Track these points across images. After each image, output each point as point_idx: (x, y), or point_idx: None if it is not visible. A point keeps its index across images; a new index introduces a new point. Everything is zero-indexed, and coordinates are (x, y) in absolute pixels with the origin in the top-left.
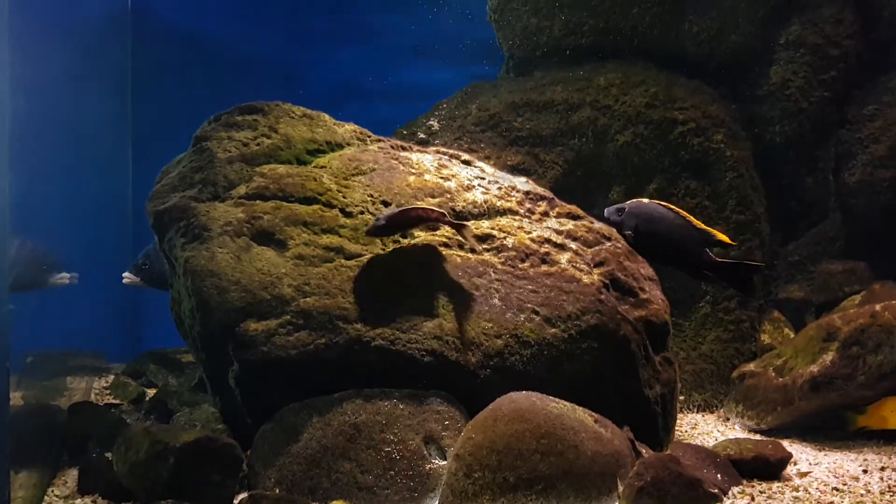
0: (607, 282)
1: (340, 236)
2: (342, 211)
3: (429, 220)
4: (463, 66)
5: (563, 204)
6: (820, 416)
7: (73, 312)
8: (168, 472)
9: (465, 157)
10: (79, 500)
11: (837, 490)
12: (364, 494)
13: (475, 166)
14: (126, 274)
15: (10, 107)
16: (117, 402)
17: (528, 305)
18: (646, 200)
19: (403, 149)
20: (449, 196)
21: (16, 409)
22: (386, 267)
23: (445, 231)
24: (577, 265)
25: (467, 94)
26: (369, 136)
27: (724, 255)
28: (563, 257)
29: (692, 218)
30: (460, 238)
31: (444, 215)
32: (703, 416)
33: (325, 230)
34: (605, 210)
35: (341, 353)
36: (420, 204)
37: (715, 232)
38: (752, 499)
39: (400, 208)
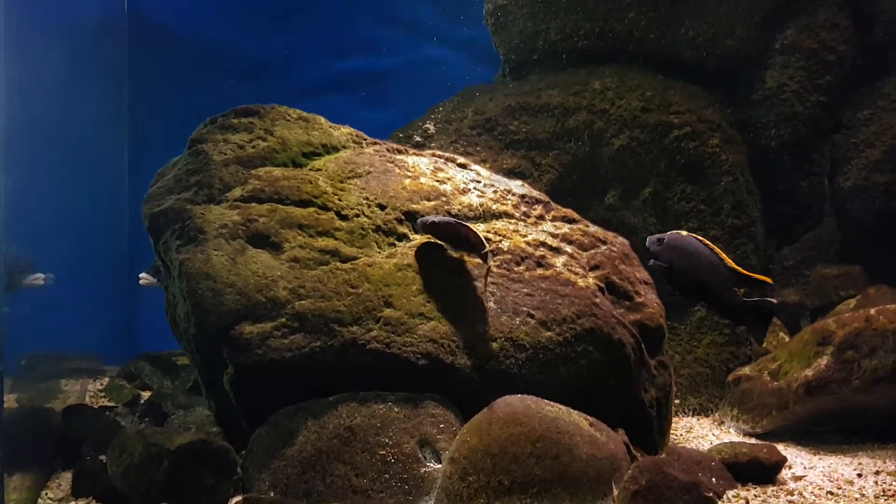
0: (603, 285)
1: (336, 239)
2: (338, 214)
3: (468, 244)
4: None
5: (559, 207)
6: (815, 420)
7: (68, 315)
8: (162, 475)
9: (461, 160)
10: (72, 503)
11: (832, 494)
12: (359, 498)
13: (471, 169)
14: (143, 275)
15: (5, 109)
16: (112, 404)
17: (524, 309)
18: (683, 233)
19: (399, 152)
20: (444, 199)
21: (10, 412)
22: (381, 270)
23: None
24: (573, 268)
25: (463, 97)
26: (365, 139)
27: (748, 296)
28: (559, 261)
29: (725, 255)
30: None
31: (483, 244)
32: (698, 419)
33: (321, 233)
34: (647, 239)
35: (336, 355)
36: (471, 225)
37: (746, 272)
38: (747, 502)
39: (454, 220)
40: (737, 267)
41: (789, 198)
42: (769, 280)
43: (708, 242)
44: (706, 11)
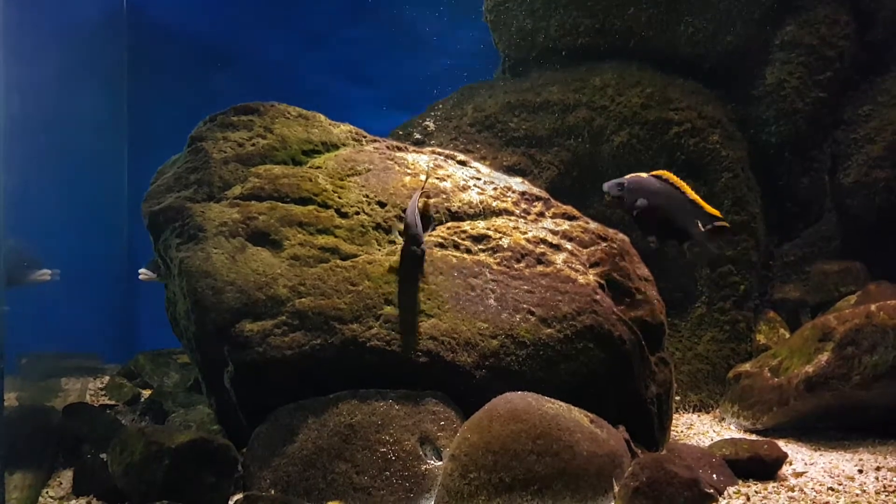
0: (603, 282)
1: (336, 237)
2: (338, 211)
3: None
4: None
5: (559, 204)
6: (815, 416)
7: (68, 313)
8: (163, 473)
9: (461, 157)
10: (73, 502)
11: (833, 490)
12: (360, 495)
13: (471, 167)
14: (142, 270)
15: (4, 107)
16: (112, 403)
17: (524, 306)
18: (644, 175)
19: (399, 149)
20: (445, 196)
21: (10, 411)
22: (381, 267)
23: (441, 231)
24: (573, 265)
25: (463, 94)
26: (365, 137)
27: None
28: (559, 258)
29: (688, 189)
30: (455, 238)
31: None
32: (698, 416)
33: (321, 231)
34: (605, 185)
35: (337, 353)
36: (416, 201)
37: (709, 207)
38: (748, 499)
39: (410, 217)
40: (698, 199)
41: (789, 194)
42: (727, 224)
43: (671, 176)
44: (706, 8)
